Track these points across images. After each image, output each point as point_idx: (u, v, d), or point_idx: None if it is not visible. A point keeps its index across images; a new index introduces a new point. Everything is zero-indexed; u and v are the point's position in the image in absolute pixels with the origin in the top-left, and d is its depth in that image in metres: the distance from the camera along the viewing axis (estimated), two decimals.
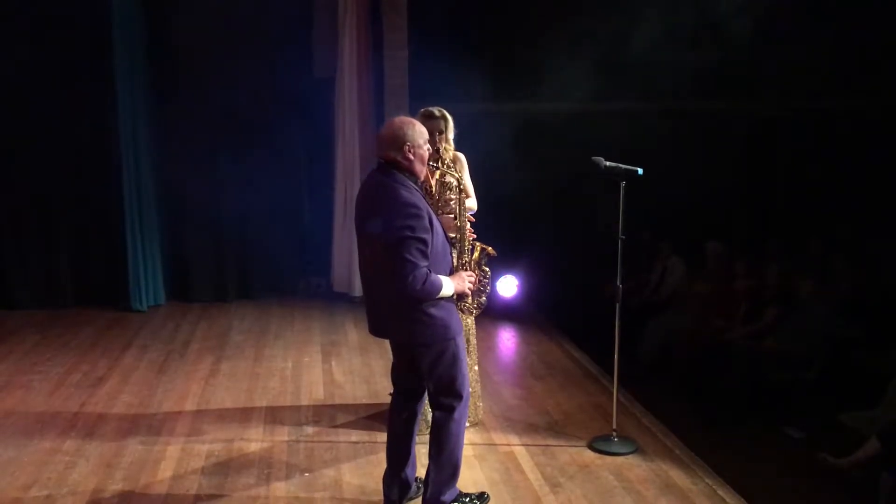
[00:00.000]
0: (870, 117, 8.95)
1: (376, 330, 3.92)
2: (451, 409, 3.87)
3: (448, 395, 3.86)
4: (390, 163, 3.74)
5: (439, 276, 3.69)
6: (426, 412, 4.80)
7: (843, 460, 5.29)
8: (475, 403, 5.09)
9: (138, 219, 7.87)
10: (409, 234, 3.56)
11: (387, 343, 4.15)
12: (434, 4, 8.29)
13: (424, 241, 3.60)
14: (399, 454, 4.03)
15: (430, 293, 3.65)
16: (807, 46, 8.68)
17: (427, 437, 4.66)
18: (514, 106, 8.62)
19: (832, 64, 8.80)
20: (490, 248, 4.84)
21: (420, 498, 4.04)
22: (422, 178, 3.89)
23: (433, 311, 3.70)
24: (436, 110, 4.72)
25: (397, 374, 4.06)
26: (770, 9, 8.54)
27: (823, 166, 8.96)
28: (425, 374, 3.85)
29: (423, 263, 3.60)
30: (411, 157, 3.73)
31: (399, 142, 3.72)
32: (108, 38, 7.54)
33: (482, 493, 4.19)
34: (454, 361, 3.83)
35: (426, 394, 4.06)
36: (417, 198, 3.67)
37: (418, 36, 7.97)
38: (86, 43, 7.70)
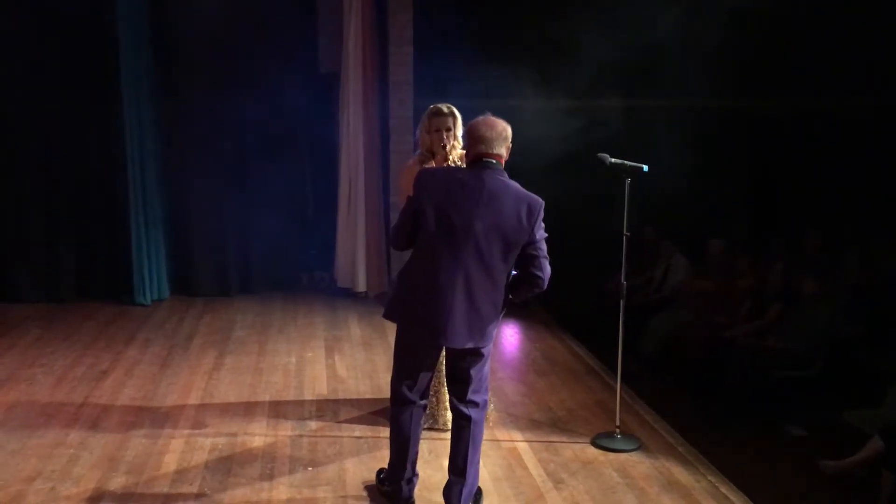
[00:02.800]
0: (875, 116, 8.94)
1: (452, 336, 3.69)
2: (484, 406, 3.92)
3: (482, 392, 3.89)
4: (498, 161, 3.77)
5: None
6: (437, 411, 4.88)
7: (845, 461, 5.30)
8: None
9: (142, 213, 7.86)
10: (545, 234, 3.72)
11: (390, 338, 4.14)
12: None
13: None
14: (416, 455, 4.03)
15: None
16: (811, 43, 8.67)
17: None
18: (519, 102, 8.61)
19: (837, 61, 8.78)
20: None
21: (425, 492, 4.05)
22: None
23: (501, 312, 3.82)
24: (444, 107, 4.69)
25: (426, 377, 3.94)
26: (773, 6, 8.53)
27: (826, 164, 8.94)
28: (474, 373, 3.82)
29: None
30: (507, 156, 3.83)
31: (507, 139, 3.80)
32: (113, 32, 7.53)
33: (478, 487, 4.21)
34: (489, 358, 3.92)
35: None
36: None
37: (424, 31, 7.96)
38: (91, 37, 7.69)
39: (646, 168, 4.71)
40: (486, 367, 3.89)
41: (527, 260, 3.70)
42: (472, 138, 3.79)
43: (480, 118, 3.83)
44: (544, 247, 3.71)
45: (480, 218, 3.63)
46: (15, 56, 7.66)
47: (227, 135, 8.07)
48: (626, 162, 4.71)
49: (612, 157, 4.75)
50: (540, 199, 3.70)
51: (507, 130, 3.80)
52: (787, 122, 9.31)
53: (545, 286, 3.73)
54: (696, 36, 8.39)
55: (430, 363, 3.92)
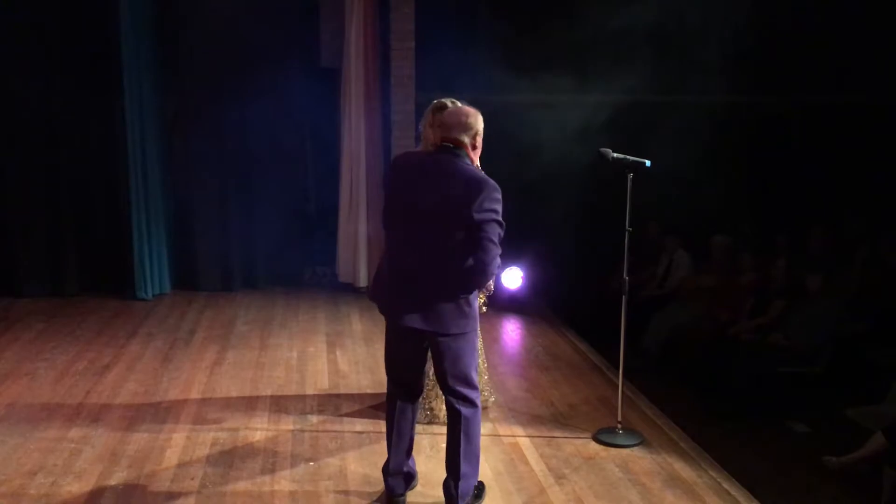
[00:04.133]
0: (881, 112, 8.92)
1: (404, 315, 3.77)
2: (475, 401, 3.88)
3: (470, 386, 3.86)
4: (457, 146, 3.75)
5: None
6: (436, 405, 4.86)
7: (847, 457, 5.29)
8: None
9: (144, 208, 7.87)
10: (495, 217, 3.62)
11: None
12: None
13: (503, 227, 3.67)
14: (405, 448, 4.04)
15: (494, 277, 3.73)
16: (816, 39, 8.66)
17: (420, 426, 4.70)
18: (522, 97, 8.60)
19: (843, 57, 8.76)
20: None
21: (427, 489, 4.04)
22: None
23: (471, 299, 3.76)
24: (448, 102, 4.68)
25: (403, 369, 4.00)
26: (777, 2, 8.53)
27: (832, 160, 8.93)
28: (448, 365, 3.80)
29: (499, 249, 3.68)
30: (476, 145, 3.80)
31: (472, 129, 3.77)
32: (115, 24, 7.52)
33: (480, 482, 4.21)
34: (474, 352, 3.87)
35: (424, 388, 4.13)
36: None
37: (426, 26, 7.94)
38: (93, 32, 7.68)
39: (648, 163, 4.68)
40: (466, 361, 3.82)
41: (473, 242, 3.61)
42: (440, 126, 3.84)
43: (452, 107, 3.86)
44: (492, 230, 3.60)
45: (429, 197, 3.67)
46: (17, 53, 7.66)
47: (229, 130, 8.06)
48: (628, 157, 4.69)
49: (614, 151, 4.73)
50: (490, 182, 3.63)
51: (474, 120, 3.77)
52: (792, 118, 9.29)
53: (488, 270, 3.63)
54: (699, 33, 8.39)
55: (405, 350, 3.93)
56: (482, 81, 8.05)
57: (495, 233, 3.62)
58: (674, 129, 8.38)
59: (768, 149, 9.40)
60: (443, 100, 4.70)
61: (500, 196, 3.63)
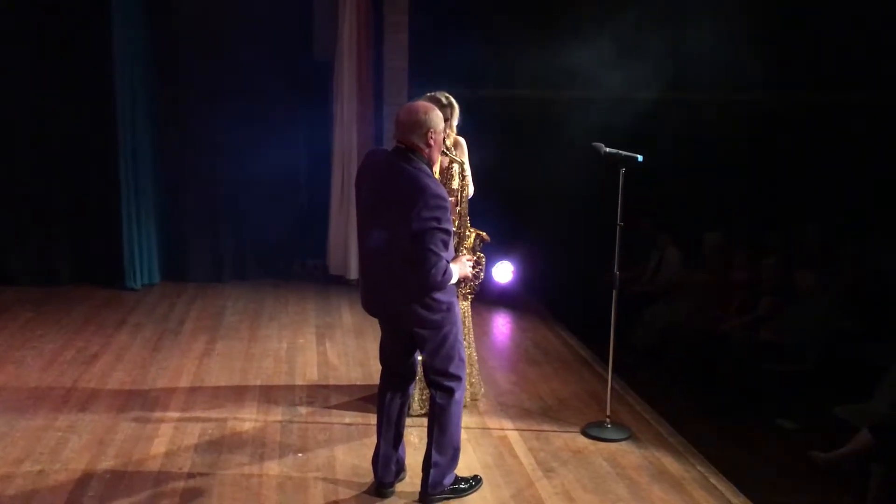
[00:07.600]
0: (873, 110, 8.94)
1: (376, 311, 3.93)
2: (452, 392, 3.89)
3: (449, 378, 3.88)
4: (409, 148, 3.69)
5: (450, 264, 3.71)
6: (423, 393, 4.84)
7: (834, 453, 5.31)
8: (471, 383, 5.11)
9: (134, 197, 7.83)
10: (435, 225, 3.55)
11: None
12: None
13: (449, 233, 3.63)
14: (393, 436, 4.05)
15: (447, 283, 3.69)
16: (810, 37, 8.67)
17: (414, 418, 4.69)
18: (514, 91, 8.60)
19: (836, 55, 8.78)
20: (484, 234, 4.87)
21: (418, 481, 4.04)
22: (435, 165, 3.86)
23: (440, 295, 3.73)
24: (443, 97, 4.66)
25: (390, 357, 4.05)
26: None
27: (824, 158, 8.95)
28: (427, 357, 3.86)
29: (445, 254, 3.61)
30: (431, 143, 3.71)
31: (423, 127, 3.67)
32: (107, 16, 7.48)
33: (475, 476, 4.21)
34: (455, 344, 3.87)
35: (416, 376, 4.16)
36: (442, 188, 3.67)
37: (419, 19, 7.93)
38: (84, 17, 7.64)
39: (640, 158, 4.69)
40: (445, 353, 3.84)
41: (415, 250, 3.58)
42: (396, 124, 3.77)
43: (410, 102, 3.82)
44: (431, 239, 3.55)
45: (378, 202, 3.69)
46: (9, 46, 7.61)
47: (221, 121, 8.02)
48: (620, 152, 4.69)
49: (608, 146, 4.73)
50: (430, 189, 3.57)
51: (426, 117, 3.67)
52: (785, 116, 9.31)
53: (429, 280, 3.59)
54: (695, 31, 8.40)
55: (389, 337, 3.99)
56: (476, 75, 8.04)
57: (435, 241, 3.56)
58: (671, 127, 8.40)
59: (764, 146, 9.41)
60: (437, 95, 4.68)
61: (441, 202, 3.56)
